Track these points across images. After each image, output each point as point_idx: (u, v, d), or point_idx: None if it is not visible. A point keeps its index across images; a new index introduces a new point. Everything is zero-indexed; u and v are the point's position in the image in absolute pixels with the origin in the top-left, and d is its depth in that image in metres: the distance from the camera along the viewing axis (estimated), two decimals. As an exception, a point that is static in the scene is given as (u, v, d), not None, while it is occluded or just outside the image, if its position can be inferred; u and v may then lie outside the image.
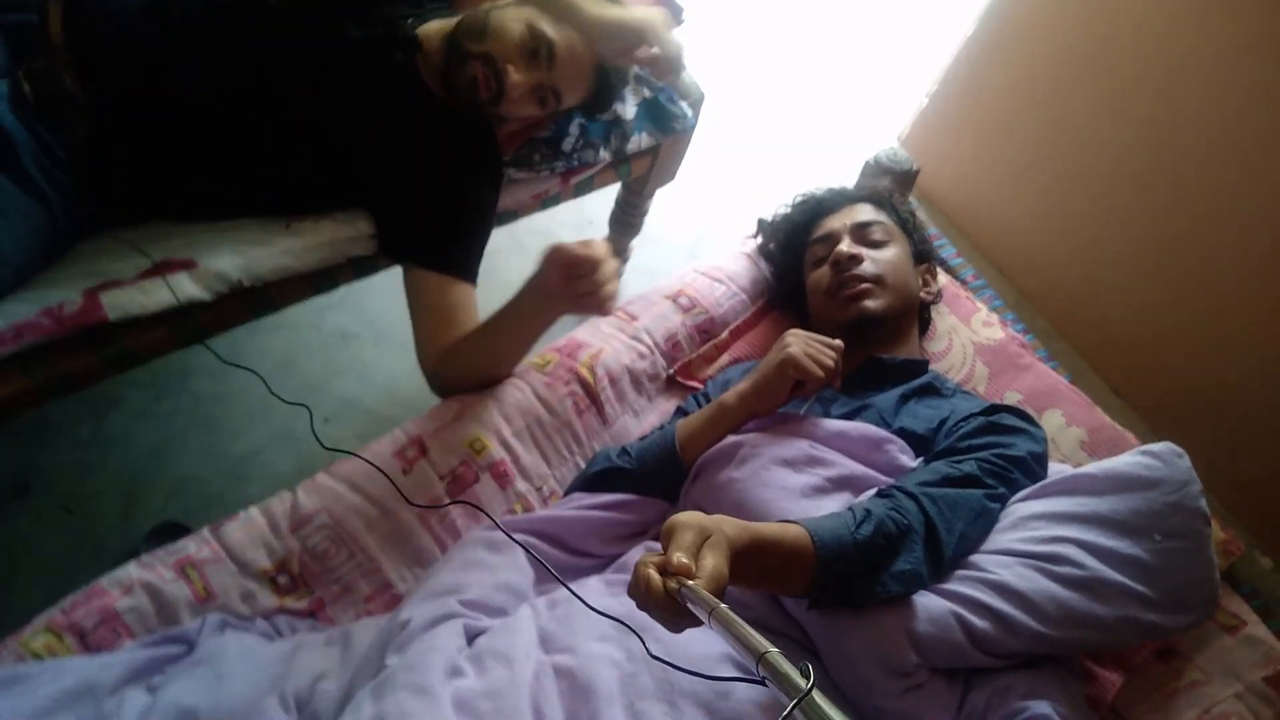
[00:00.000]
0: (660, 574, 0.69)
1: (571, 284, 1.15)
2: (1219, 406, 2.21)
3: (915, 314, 1.45)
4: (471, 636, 0.96)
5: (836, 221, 1.45)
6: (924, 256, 1.51)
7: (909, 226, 1.49)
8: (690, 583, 0.66)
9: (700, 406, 1.34)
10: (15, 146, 1.12)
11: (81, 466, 1.71)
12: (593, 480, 1.22)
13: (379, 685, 0.86)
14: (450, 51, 1.32)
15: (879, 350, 1.35)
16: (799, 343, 1.17)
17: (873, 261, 1.36)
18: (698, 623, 0.67)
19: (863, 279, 1.34)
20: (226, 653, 0.94)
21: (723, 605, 0.63)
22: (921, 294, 1.45)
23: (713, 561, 0.70)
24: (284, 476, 1.76)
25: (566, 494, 1.26)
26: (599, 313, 1.22)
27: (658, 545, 1.09)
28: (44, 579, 1.55)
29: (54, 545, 1.60)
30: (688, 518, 0.75)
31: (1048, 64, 2.26)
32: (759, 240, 1.67)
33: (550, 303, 1.23)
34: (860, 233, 1.41)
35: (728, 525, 0.77)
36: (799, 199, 1.59)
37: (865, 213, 1.45)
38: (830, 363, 1.16)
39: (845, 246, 1.37)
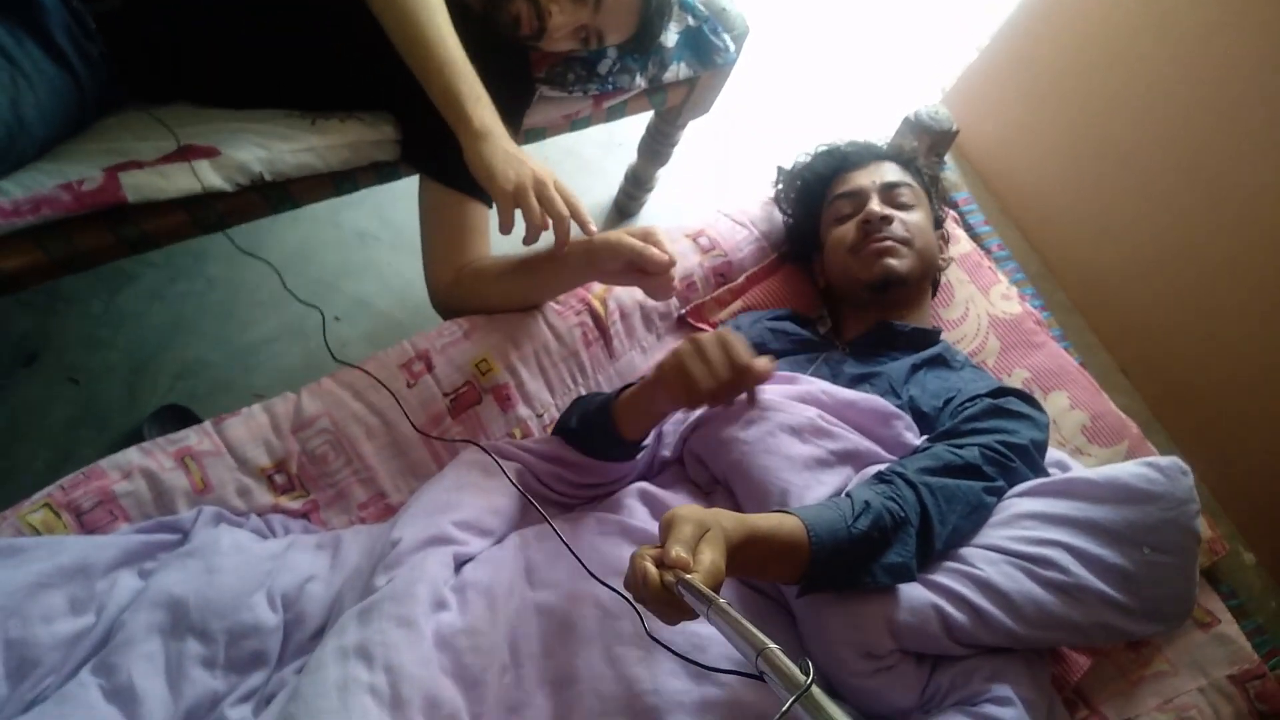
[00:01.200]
0: (657, 567, 0.69)
1: (634, 276, 1.19)
2: (1223, 400, 2.20)
3: (931, 279, 1.44)
4: (460, 563, 0.97)
5: (864, 178, 1.42)
6: (940, 222, 1.49)
7: (931, 191, 1.47)
8: (688, 577, 0.67)
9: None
10: (45, 14, 1.09)
11: (91, 340, 1.72)
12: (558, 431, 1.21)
13: (365, 611, 0.88)
14: None
15: (892, 314, 1.34)
16: (689, 345, 1.05)
17: (902, 224, 1.34)
18: (693, 616, 0.68)
19: (892, 238, 1.33)
20: (218, 547, 0.96)
21: (721, 600, 0.63)
22: (939, 259, 1.43)
23: (710, 556, 0.70)
24: (291, 369, 1.78)
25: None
26: (659, 299, 1.25)
27: (652, 489, 1.10)
28: (46, 448, 1.58)
29: (59, 416, 1.62)
30: (687, 511, 0.75)
31: (1105, 36, 2.19)
32: (777, 188, 1.63)
33: (599, 277, 1.26)
34: (888, 193, 1.39)
35: (725, 519, 0.78)
36: (821, 149, 1.55)
37: (892, 172, 1.42)
38: (724, 373, 1.03)
39: (876, 206, 1.35)
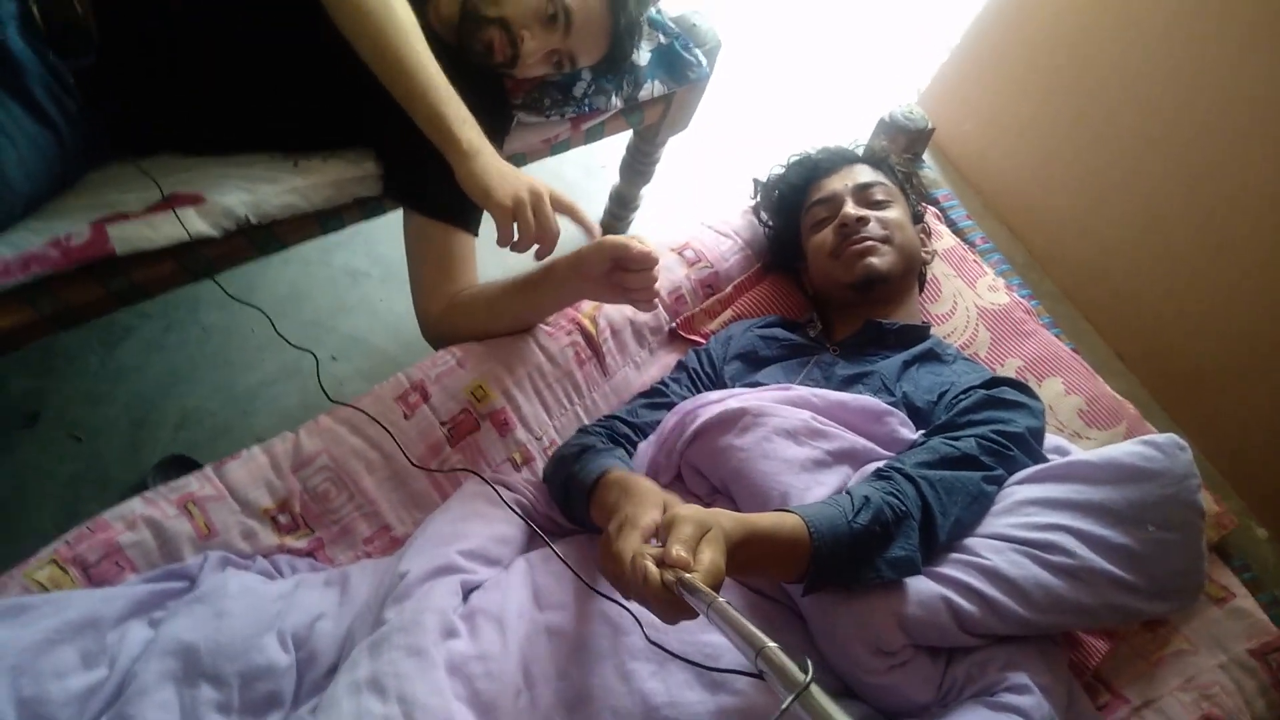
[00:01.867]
0: (658, 566, 0.70)
1: (620, 276, 1.17)
2: (1222, 376, 2.21)
3: (916, 274, 1.44)
4: (467, 591, 0.97)
5: (837, 183, 1.43)
6: (919, 217, 1.50)
7: (906, 187, 1.48)
8: (688, 576, 0.67)
9: (700, 362, 1.34)
10: (24, 73, 1.10)
11: (91, 396, 1.73)
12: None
13: (375, 644, 0.88)
14: (465, 15, 1.30)
15: (879, 313, 1.35)
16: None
17: (879, 222, 1.36)
18: (693, 615, 0.68)
19: (870, 238, 1.34)
20: (226, 591, 0.96)
21: (721, 599, 0.63)
22: (922, 253, 1.44)
23: (710, 556, 0.71)
24: (290, 411, 1.79)
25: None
26: (644, 308, 1.24)
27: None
28: (52, 507, 1.58)
29: (62, 474, 1.62)
30: (688, 512, 0.76)
31: (1076, 24, 2.22)
32: (755, 200, 1.65)
33: (588, 289, 1.24)
34: (862, 194, 1.40)
35: (725, 519, 0.78)
36: (794, 159, 1.57)
37: (865, 174, 1.44)
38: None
39: (851, 209, 1.36)
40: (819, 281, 1.45)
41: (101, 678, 0.89)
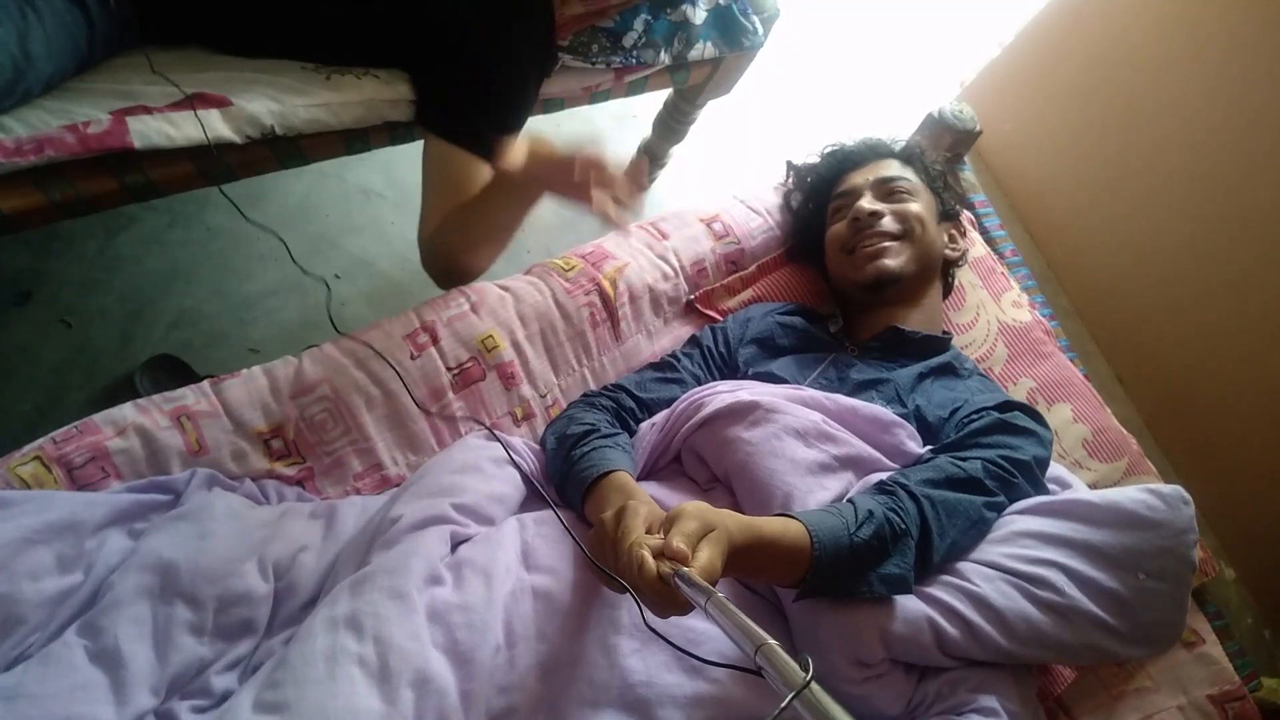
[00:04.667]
0: (655, 558, 0.69)
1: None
2: (1217, 416, 2.22)
3: (937, 274, 1.40)
4: (456, 543, 0.96)
5: (860, 177, 1.40)
6: (950, 215, 1.46)
7: (936, 185, 1.44)
8: (686, 569, 0.66)
9: (715, 341, 1.32)
10: (60, -50, 1.06)
11: (87, 283, 1.69)
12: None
13: (357, 582, 0.87)
14: None
15: (898, 315, 1.32)
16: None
17: (895, 217, 1.33)
18: (685, 610, 0.68)
19: (883, 235, 1.31)
20: (212, 511, 0.95)
21: (719, 594, 0.63)
22: (946, 250, 1.40)
23: (708, 555, 0.70)
24: (289, 326, 1.76)
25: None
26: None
27: (652, 487, 1.08)
28: (36, 390, 1.56)
29: (50, 358, 1.60)
30: (693, 508, 0.75)
31: (1129, 43, 2.18)
32: (786, 185, 1.62)
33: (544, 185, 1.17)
34: (883, 188, 1.37)
35: (730, 521, 0.77)
36: (827, 149, 1.54)
37: (891, 168, 1.40)
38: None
39: (865, 203, 1.34)
40: (834, 276, 1.43)
41: (76, 583, 0.88)
